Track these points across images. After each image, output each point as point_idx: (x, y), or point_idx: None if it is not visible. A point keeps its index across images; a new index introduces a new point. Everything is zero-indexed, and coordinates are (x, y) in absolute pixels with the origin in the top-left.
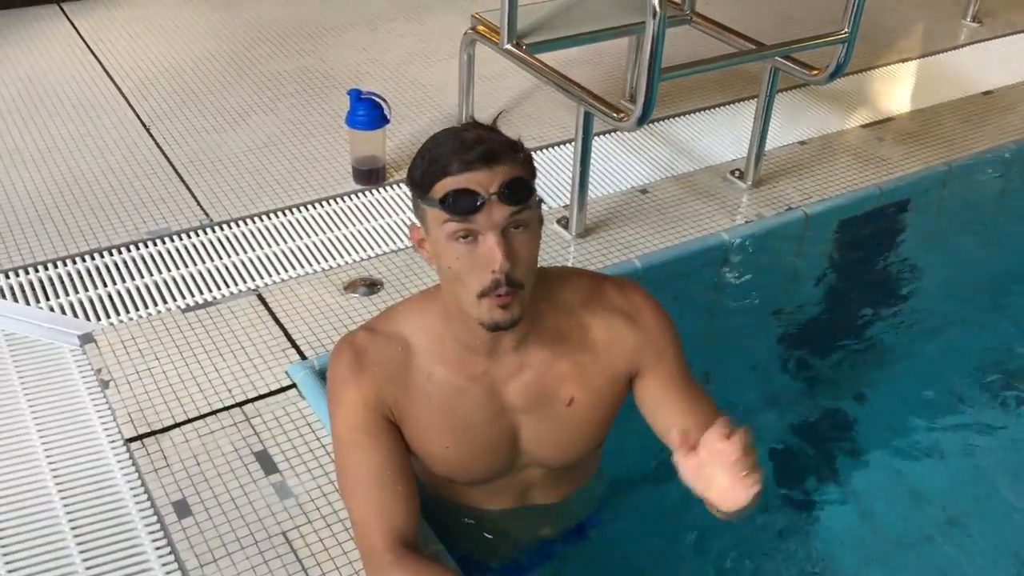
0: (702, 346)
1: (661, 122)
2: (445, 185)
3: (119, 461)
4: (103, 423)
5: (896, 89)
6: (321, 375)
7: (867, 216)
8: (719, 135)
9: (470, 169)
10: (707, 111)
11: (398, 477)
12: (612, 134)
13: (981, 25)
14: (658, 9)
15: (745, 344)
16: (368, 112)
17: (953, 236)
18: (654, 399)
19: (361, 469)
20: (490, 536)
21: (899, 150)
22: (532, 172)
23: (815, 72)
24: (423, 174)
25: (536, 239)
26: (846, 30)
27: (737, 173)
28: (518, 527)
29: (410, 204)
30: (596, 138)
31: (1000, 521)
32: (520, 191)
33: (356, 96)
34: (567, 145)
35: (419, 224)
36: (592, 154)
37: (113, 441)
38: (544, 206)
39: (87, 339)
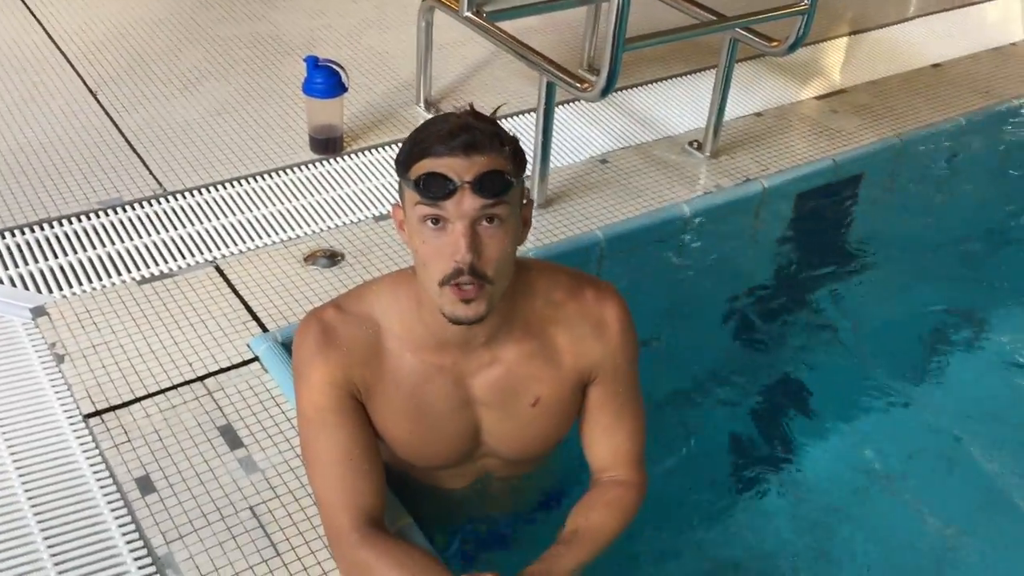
0: (662, 316)
1: (620, 92)
2: (422, 167)
3: (78, 437)
4: (60, 399)
5: (848, 61)
6: (284, 348)
7: (823, 188)
8: (677, 105)
9: (448, 154)
10: (665, 81)
11: (365, 456)
12: (571, 104)
13: None
14: None
15: (704, 314)
16: (326, 80)
17: (906, 206)
18: (591, 410)
19: (327, 448)
20: (452, 511)
21: (852, 122)
22: (519, 168)
23: (775, 43)
24: (407, 153)
25: (510, 236)
26: (806, 2)
27: (695, 144)
28: (478, 503)
29: (369, 174)
30: (555, 108)
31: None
32: (495, 184)
33: (313, 63)
34: (525, 115)
35: (400, 205)
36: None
37: (71, 417)
38: None
39: (39, 312)
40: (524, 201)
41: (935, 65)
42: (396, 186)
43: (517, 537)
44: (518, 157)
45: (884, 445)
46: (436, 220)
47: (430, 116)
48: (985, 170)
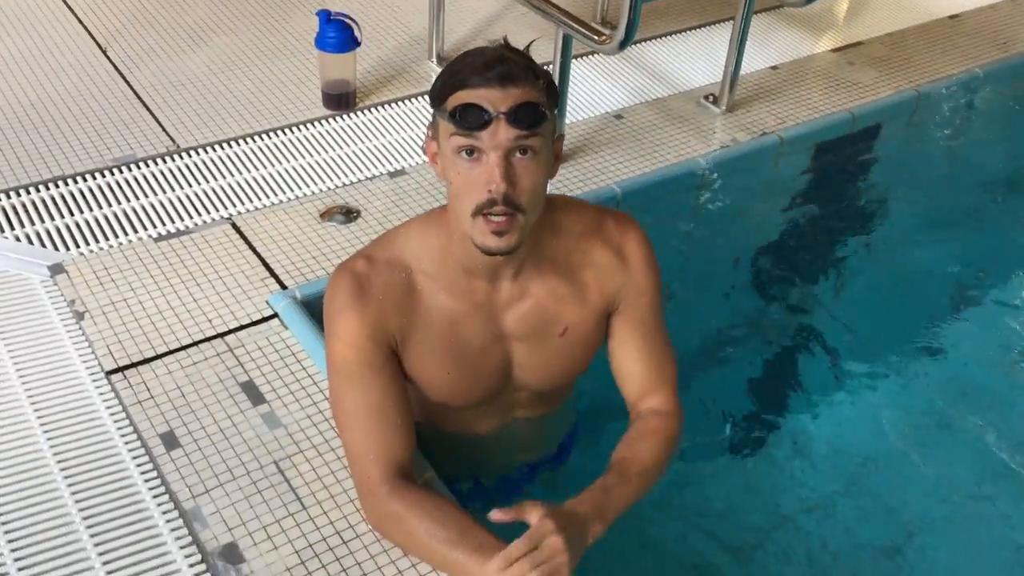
0: (680, 270)
1: (634, 46)
2: (458, 98)
3: (101, 394)
4: (81, 356)
5: (864, 13)
6: (303, 305)
7: (840, 141)
8: (692, 59)
9: (484, 86)
10: (679, 34)
11: (396, 408)
12: (585, 58)
13: None
14: None
15: (721, 268)
16: (339, 34)
17: (924, 159)
18: (619, 338)
19: (361, 401)
20: (476, 458)
21: (869, 74)
22: (552, 102)
23: None
24: (442, 85)
25: (543, 168)
26: None
27: (711, 98)
28: (502, 448)
29: (383, 130)
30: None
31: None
32: (530, 116)
33: (326, 17)
34: None
35: (434, 138)
36: None
37: (93, 374)
38: None
39: (57, 269)
40: (556, 135)
41: (952, 16)
42: (409, 142)
43: (537, 486)
44: (551, 90)
45: (901, 406)
46: (471, 151)
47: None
48: (1003, 122)
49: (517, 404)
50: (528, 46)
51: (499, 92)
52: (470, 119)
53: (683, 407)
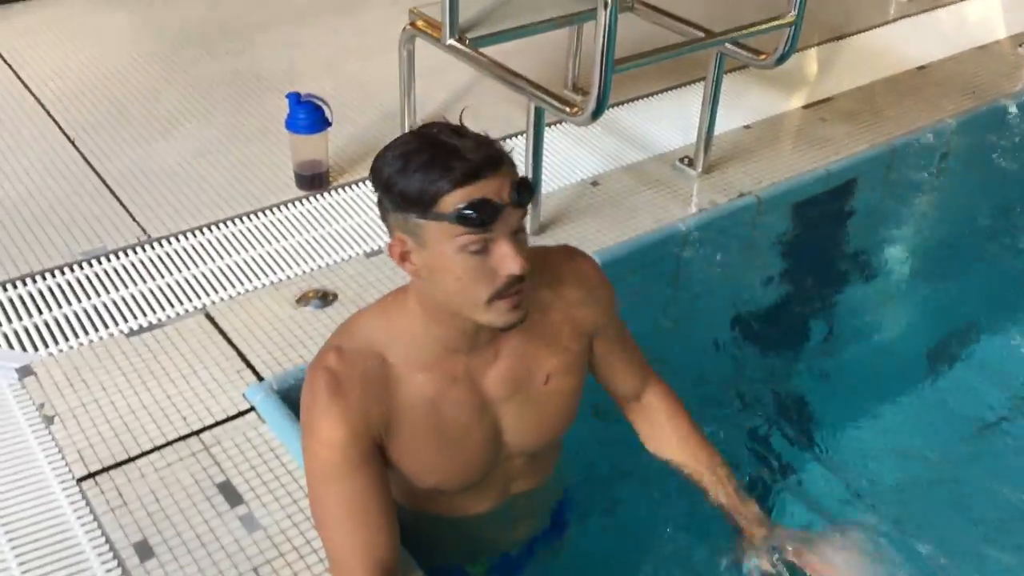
0: (665, 337)
1: (606, 111)
2: (456, 198)
3: (72, 502)
4: (51, 462)
5: (833, 68)
6: (280, 396)
7: (817, 198)
8: (665, 122)
9: (481, 177)
10: (651, 97)
11: (381, 507)
12: (557, 125)
13: (909, 0)
14: (609, 0)
15: (707, 332)
16: (309, 115)
17: (901, 211)
18: (603, 356)
19: (344, 502)
20: (473, 541)
21: (842, 129)
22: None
23: (762, 56)
24: (421, 190)
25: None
26: (793, 13)
27: (686, 160)
28: (500, 526)
29: (357, 209)
30: None
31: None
32: (527, 191)
33: (296, 99)
34: (512, 139)
35: (404, 237)
36: None
37: (63, 481)
38: None
39: (26, 372)
40: None
41: (920, 67)
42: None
43: (538, 564)
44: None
45: (888, 455)
46: (483, 245)
47: None
48: (978, 170)
49: (512, 475)
50: (460, 115)
51: (495, 179)
52: (485, 215)
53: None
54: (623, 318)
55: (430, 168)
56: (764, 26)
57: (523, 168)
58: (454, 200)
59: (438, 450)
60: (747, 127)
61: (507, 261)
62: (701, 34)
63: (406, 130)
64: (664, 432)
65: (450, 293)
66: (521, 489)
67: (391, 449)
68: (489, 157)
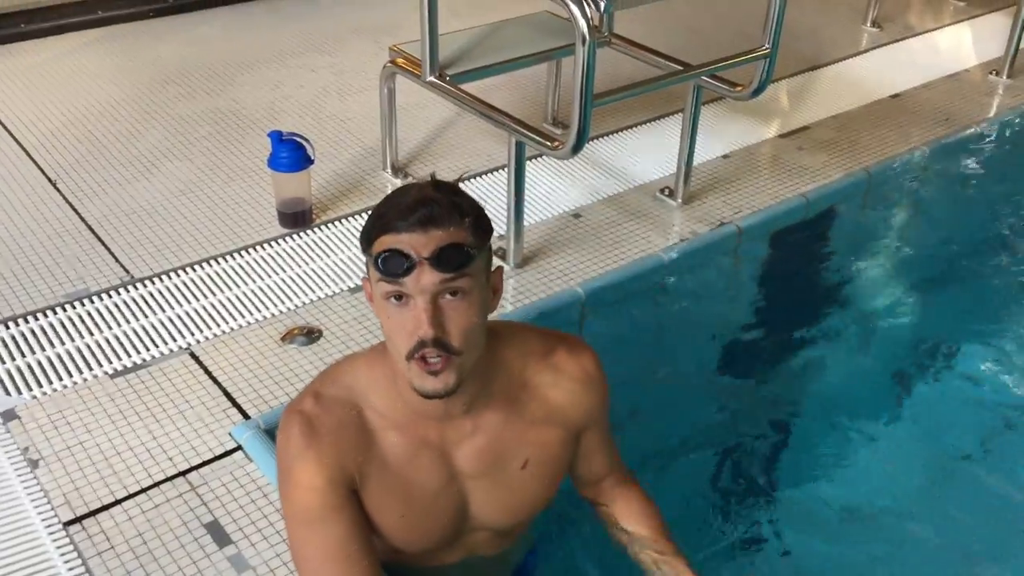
0: (648, 367)
1: (587, 144)
2: (382, 243)
3: (59, 547)
4: (36, 507)
5: (809, 97)
6: (267, 435)
7: (797, 225)
8: (644, 153)
9: (406, 230)
10: (630, 130)
11: (362, 550)
12: (538, 159)
13: (881, 30)
14: (588, 36)
15: (691, 361)
16: (291, 154)
17: (879, 239)
18: (586, 452)
19: (325, 546)
20: None
21: (819, 158)
22: (480, 240)
23: (739, 88)
24: (368, 229)
25: (476, 307)
26: (767, 46)
27: (667, 191)
28: None
29: (341, 246)
30: None
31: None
32: (454, 258)
33: (277, 138)
34: (494, 173)
35: (368, 279)
36: None
37: (50, 526)
38: None
39: (9, 416)
40: (492, 269)
41: (894, 95)
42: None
43: None
44: (480, 227)
45: (870, 479)
46: (399, 296)
47: (399, 182)
48: (952, 196)
49: (476, 545)
50: (459, 179)
51: (421, 236)
52: (392, 266)
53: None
54: (605, 348)
55: (381, 212)
56: (740, 59)
57: (503, 203)
58: (380, 244)
59: (402, 511)
60: (726, 157)
61: (415, 320)
62: (678, 67)
63: (387, 166)
64: (623, 506)
65: (386, 341)
66: (485, 553)
67: (363, 499)
68: (427, 214)
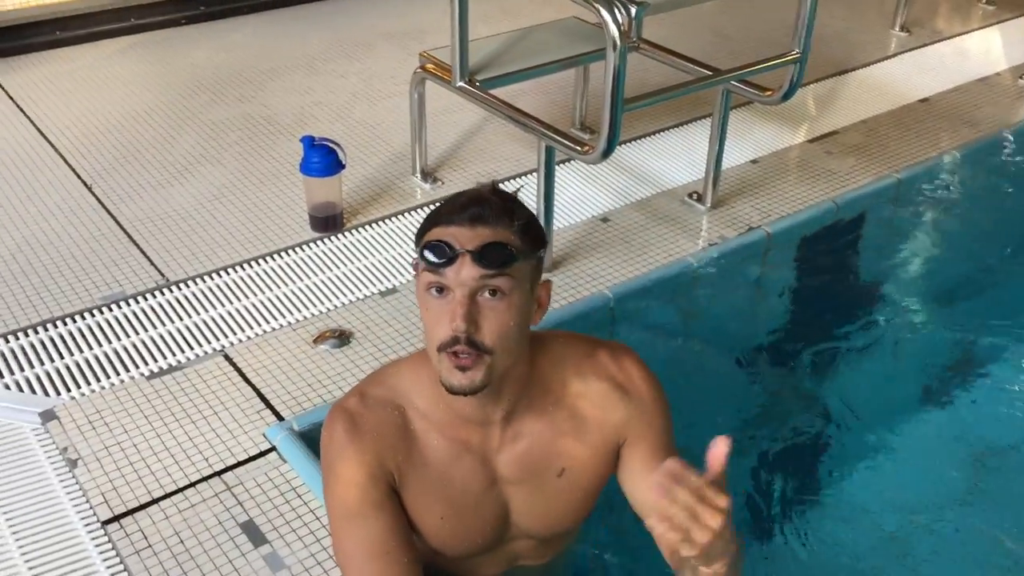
0: (675, 370)
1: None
2: (430, 235)
3: (97, 545)
4: (75, 506)
5: (837, 102)
6: (301, 436)
7: (826, 230)
8: (672, 158)
9: (455, 224)
10: (657, 135)
11: (402, 548)
12: (567, 164)
13: (910, 34)
14: (618, 41)
15: (720, 365)
16: (323, 159)
17: (909, 244)
18: (633, 472)
19: (365, 542)
20: None
21: (848, 162)
22: (528, 245)
23: (769, 92)
24: (424, 223)
25: (515, 311)
26: (797, 50)
27: (695, 196)
28: None
29: (372, 249)
30: None
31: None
32: (496, 256)
33: (309, 143)
34: (522, 178)
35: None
36: None
37: (88, 524)
38: None
39: (49, 416)
40: (540, 281)
41: (923, 100)
42: (398, 260)
43: None
44: (529, 234)
45: (899, 485)
46: (439, 288)
47: (428, 187)
48: (984, 200)
49: (519, 554)
50: (516, 191)
51: (468, 231)
52: (435, 255)
53: None
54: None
55: (437, 209)
56: (770, 63)
57: (532, 207)
58: (429, 236)
59: (441, 513)
60: (754, 162)
61: (451, 312)
62: (707, 72)
63: (417, 171)
64: None
65: (424, 332)
66: (528, 563)
67: (403, 500)
68: (478, 212)
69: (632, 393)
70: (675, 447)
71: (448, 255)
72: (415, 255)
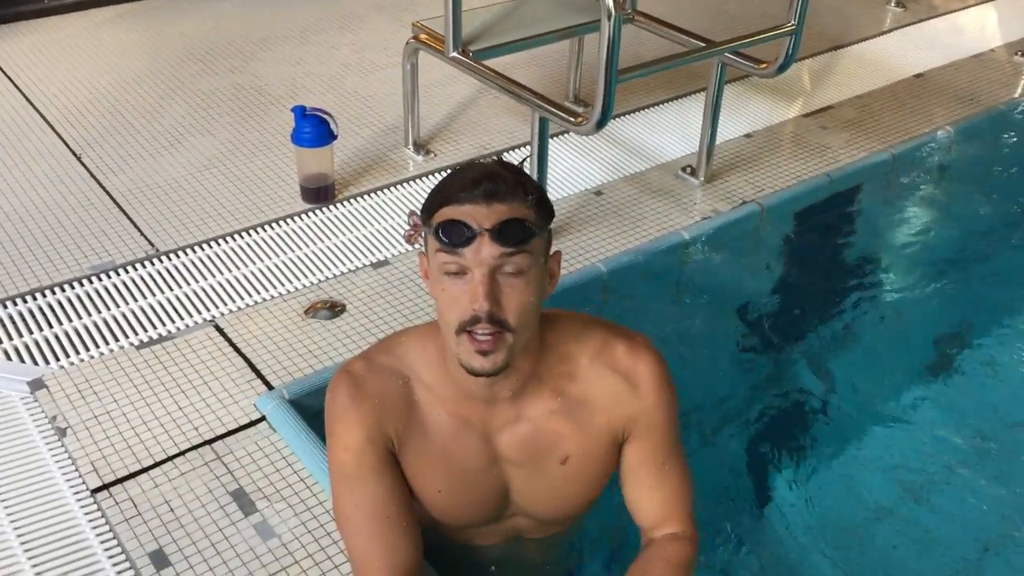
0: (667, 345)
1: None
2: (443, 214)
3: (87, 513)
4: (64, 474)
5: (832, 77)
6: (291, 405)
7: (820, 205)
8: (666, 132)
9: (469, 202)
10: (652, 108)
11: (401, 512)
12: (561, 136)
13: (905, 10)
14: (613, 11)
15: (712, 339)
16: (314, 129)
17: (902, 219)
18: (631, 468)
19: (363, 505)
20: (482, 571)
21: (842, 137)
22: (542, 219)
23: (763, 65)
24: (430, 202)
25: (533, 286)
26: (792, 23)
27: (688, 170)
28: (510, 565)
29: (364, 221)
30: None
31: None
32: (515, 233)
33: (301, 113)
34: (515, 151)
35: (425, 252)
36: None
37: (78, 492)
38: None
39: (37, 385)
40: (551, 252)
41: (917, 75)
42: (391, 232)
43: None
44: (543, 207)
45: (895, 462)
46: (457, 269)
47: (420, 159)
48: (977, 176)
49: (520, 529)
50: (522, 162)
51: (484, 208)
52: (453, 236)
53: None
54: (626, 325)
55: (444, 185)
56: (765, 35)
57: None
58: (441, 215)
59: (440, 486)
60: (748, 136)
61: (472, 292)
62: (702, 44)
63: (409, 143)
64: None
65: (438, 314)
66: (530, 536)
67: (403, 467)
68: (492, 188)
69: (642, 389)
70: (680, 448)
71: (466, 235)
72: (407, 226)
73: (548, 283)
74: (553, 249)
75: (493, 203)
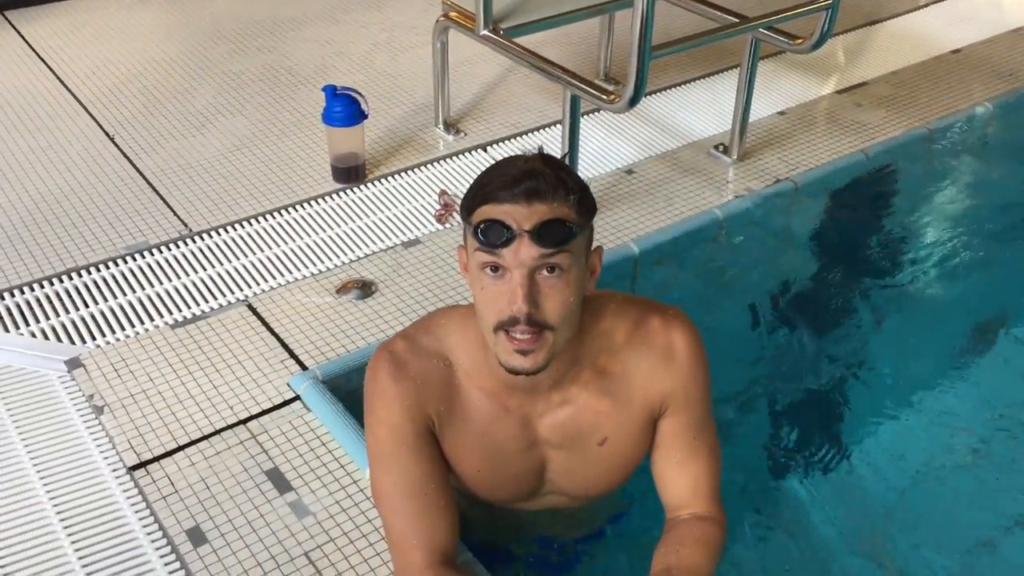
0: (699, 323)
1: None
2: (483, 213)
3: (124, 491)
4: (102, 452)
5: (866, 53)
6: (325, 385)
7: (855, 183)
8: (698, 110)
9: (509, 201)
10: (683, 86)
11: (439, 491)
12: (592, 115)
13: None
14: None
15: (742, 318)
16: (345, 108)
17: (939, 198)
18: (663, 444)
19: (401, 483)
20: (513, 530)
21: (878, 114)
22: (583, 217)
23: (799, 41)
24: (470, 198)
25: (572, 286)
26: None
27: (721, 148)
28: (546, 523)
29: (395, 200)
30: None
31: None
32: (555, 234)
33: (332, 92)
34: (546, 129)
35: (464, 245)
36: None
37: (116, 470)
38: None
39: (74, 364)
40: (592, 248)
41: (955, 51)
42: (422, 211)
43: (586, 556)
44: (584, 205)
45: (927, 442)
46: (495, 268)
47: (451, 138)
48: (1016, 153)
49: (554, 504)
50: (564, 156)
51: (524, 208)
52: (492, 236)
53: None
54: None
55: (484, 181)
56: (801, 10)
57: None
58: (481, 214)
59: (479, 467)
60: (782, 113)
61: (511, 293)
62: (735, 19)
63: (439, 122)
64: (674, 544)
65: (476, 311)
66: (567, 507)
67: (441, 446)
68: (532, 186)
69: (678, 361)
70: (711, 423)
71: (505, 236)
72: (438, 206)
73: (588, 279)
74: (598, 245)
75: (533, 202)
